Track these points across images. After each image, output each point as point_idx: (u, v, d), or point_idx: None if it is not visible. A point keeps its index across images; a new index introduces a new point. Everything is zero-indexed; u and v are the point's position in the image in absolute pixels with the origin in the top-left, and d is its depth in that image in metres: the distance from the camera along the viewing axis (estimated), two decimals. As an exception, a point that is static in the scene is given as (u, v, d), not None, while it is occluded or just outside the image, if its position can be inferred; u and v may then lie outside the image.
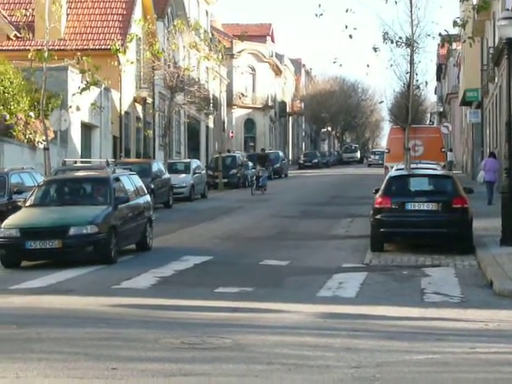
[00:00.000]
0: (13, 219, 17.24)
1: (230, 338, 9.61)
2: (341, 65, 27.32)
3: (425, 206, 18.20)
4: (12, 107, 30.17)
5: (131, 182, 19.78)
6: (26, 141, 30.69)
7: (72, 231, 16.41)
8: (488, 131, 41.72)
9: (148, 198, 20.52)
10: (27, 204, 18.12)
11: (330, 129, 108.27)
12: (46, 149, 25.62)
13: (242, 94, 74.35)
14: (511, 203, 18.01)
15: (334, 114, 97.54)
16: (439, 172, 21.28)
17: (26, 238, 16.39)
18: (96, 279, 14.99)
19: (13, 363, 8.38)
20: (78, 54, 25.78)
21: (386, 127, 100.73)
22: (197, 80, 47.69)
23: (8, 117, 29.71)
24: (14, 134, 30.00)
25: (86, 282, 14.60)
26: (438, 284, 14.21)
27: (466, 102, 48.84)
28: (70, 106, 29.44)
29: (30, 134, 30.74)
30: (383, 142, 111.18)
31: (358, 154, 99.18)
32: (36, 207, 17.88)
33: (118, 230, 17.34)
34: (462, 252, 17.71)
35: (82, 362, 8.49)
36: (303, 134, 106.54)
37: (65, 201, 18.33)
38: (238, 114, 75.89)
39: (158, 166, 33.82)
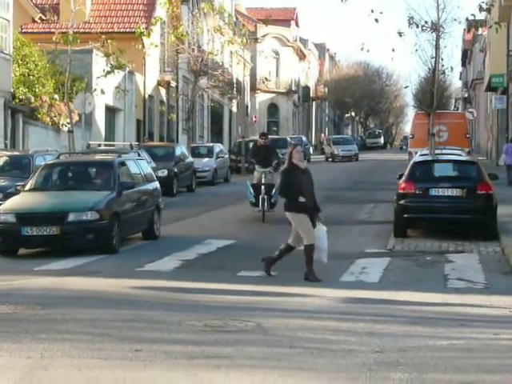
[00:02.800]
0: (10, 204, 16.26)
1: (252, 322, 9.64)
2: (368, 50, 27.38)
3: (449, 192, 18.12)
4: (37, 90, 30.32)
5: (138, 167, 18.78)
6: (50, 123, 30.85)
7: (71, 217, 15.41)
8: (513, 117, 41.40)
9: (156, 184, 19.42)
10: (26, 188, 17.06)
11: (353, 114, 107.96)
12: (70, 131, 25.71)
13: (266, 79, 74.21)
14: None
15: (358, 99, 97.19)
16: (464, 158, 21.17)
17: (23, 224, 15.39)
18: (120, 261, 15.06)
19: (38, 343, 8.46)
20: (103, 37, 25.80)
21: (410, 113, 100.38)
22: (220, 64, 47.68)
23: (33, 99, 29.87)
24: (39, 116, 30.17)
25: (109, 264, 14.68)
26: (462, 270, 14.16)
27: (491, 88, 48.50)
28: (95, 89, 29.52)
29: (55, 116, 30.89)
30: (407, 128, 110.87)
31: (382, 140, 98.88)
32: (35, 191, 16.82)
33: (121, 217, 16.33)
34: (486, 238, 17.63)
35: (106, 343, 8.55)
36: (326, 118, 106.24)
37: (66, 185, 17.36)
38: (262, 98, 75.78)
39: (181, 149, 33.86)
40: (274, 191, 21.14)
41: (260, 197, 21.41)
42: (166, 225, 20.93)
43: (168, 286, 12.31)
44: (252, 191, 21.74)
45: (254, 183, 22.07)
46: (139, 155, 19.96)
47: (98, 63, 31.32)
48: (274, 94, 77.56)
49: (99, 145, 30.52)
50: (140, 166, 18.94)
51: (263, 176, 21.94)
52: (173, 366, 7.70)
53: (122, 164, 17.95)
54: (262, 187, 21.55)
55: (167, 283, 12.62)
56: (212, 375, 7.40)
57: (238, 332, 9.19)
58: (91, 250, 15.51)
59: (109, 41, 25.49)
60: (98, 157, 19.26)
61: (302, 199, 12.95)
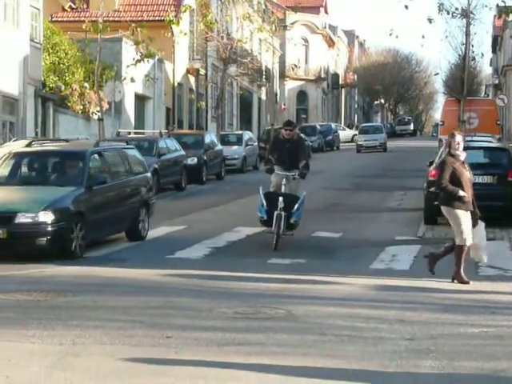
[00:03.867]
0: None
1: (283, 309, 9.66)
2: (397, 36, 27.39)
3: (480, 179, 17.98)
4: (67, 78, 30.47)
5: (122, 157, 16.31)
6: (80, 111, 31.01)
7: (19, 218, 13.24)
8: (545, 104, 41.04)
9: (147, 176, 17.02)
10: None
11: (383, 101, 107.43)
12: (100, 119, 25.86)
13: (295, 66, 74.07)
14: None
15: (388, 86, 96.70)
16: (495, 144, 21.04)
17: None
18: (150, 249, 15.12)
19: (69, 330, 8.52)
20: (133, 25, 25.88)
21: (440, 99, 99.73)
22: (250, 51, 47.63)
23: (63, 87, 30.03)
24: (69, 104, 30.33)
25: (139, 252, 14.74)
26: (493, 257, 14.02)
27: (522, 74, 48.06)
28: (125, 78, 29.63)
29: (85, 104, 31.04)
30: (437, 115, 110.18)
31: (412, 127, 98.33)
32: None
33: (87, 217, 14.01)
34: (517, 226, 17.51)
35: (138, 329, 8.59)
36: (356, 106, 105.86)
37: (27, 180, 15.09)
38: (291, 85, 75.62)
39: (210, 137, 33.90)
40: (296, 207, 15.15)
41: (275, 213, 14.83)
42: (195, 212, 21.04)
43: (198, 274, 12.33)
44: (265, 203, 15.16)
45: (268, 192, 15.71)
46: (127, 143, 17.37)
47: (128, 51, 31.42)
48: (303, 82, 77.37)
49: (129, 133, 30.67)
50: (125, 156, 16.46)
51: (284, 182, 15.62)
52: (203, 352, 7.73)
53: (99, 154, 15.51)
54: (280, 199, 14.91)
55: (197, 271, 12.65)
56: (243, 362, 7.41)
57: (269, 319, 9.20)
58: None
59: (138, 29, 25.55)
60: (70, 146, 16.47)
61: (461, 193, 11.62)
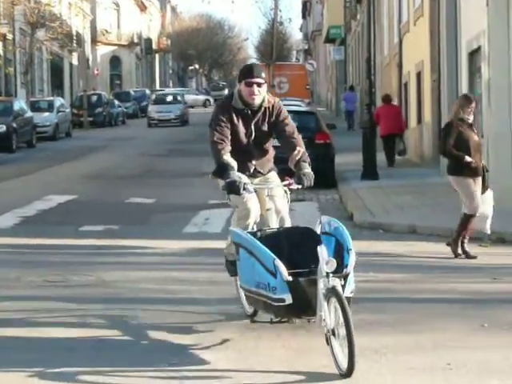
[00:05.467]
0: None
1: (93, 276, 9.58)
2: (209, 2, 27.58)
3: (288, 142, 18.44)
4: None
5: None
6: None
7: None
8: (351, 68, 42.48)
9: None
10: None
11: (197, 66, 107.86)
12: None
13: (106, 31, 72.94)
14: (371, 138, 18.52)
15: (201, 51, 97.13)
16: (302, 108, 21.62)
17: None
18: (-45, 220, 14.58)
19: None
20: None
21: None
22: (59, 16, 46.53)
23: None
24: None
25: None
26: (304, 217, 14.47)
27: (329, 39, 49.45)
28: None
29: None
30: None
31: (226, 92, 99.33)
32: None
33: None
34: (325, 186, 18.05)
35: None
36: (170, 71, 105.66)
37: None
38: (103, 51, 74.45)
39: (19, 104, 33.03)
40: (352, 263, 6.60)
41: (320, 282, 6.14)
42: (4, 181, 20.47)
43: (6, 243, 12.00)
44: (280, 266, 6.31)
45: (265, 232, 7.20)
46: None
47: None
48: (115, 47, 76.34)
49: None
50: None
51: (269, 206, 7.46)
52: (11, 322, 7.57)
53: None
54: (323, 250, 6.29)
55: (6, 240, 12.30)
56: (52, 330, 7.32)
57: (78, 286, 9.11)
58: None
59: None
60: None
61: (468, 159, 10.50)
